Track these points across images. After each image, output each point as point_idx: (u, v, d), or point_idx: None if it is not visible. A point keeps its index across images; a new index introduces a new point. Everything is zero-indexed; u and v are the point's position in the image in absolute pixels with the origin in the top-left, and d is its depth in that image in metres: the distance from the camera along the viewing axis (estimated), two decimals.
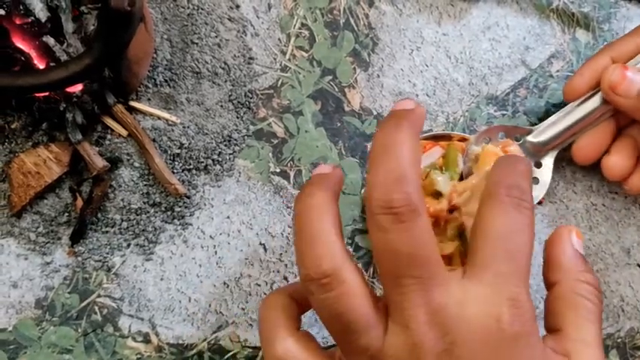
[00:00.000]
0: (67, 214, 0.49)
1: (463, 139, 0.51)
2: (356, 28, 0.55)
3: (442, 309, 0.33)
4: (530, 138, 0.51)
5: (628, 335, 0.51)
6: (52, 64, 0.45)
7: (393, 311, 0.34)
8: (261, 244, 0.50)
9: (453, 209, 0.46)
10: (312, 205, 0.36)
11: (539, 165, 0.51)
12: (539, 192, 0.51)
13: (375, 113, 0.54)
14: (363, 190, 0.52)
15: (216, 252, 0.50)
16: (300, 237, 0.35)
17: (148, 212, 0.49)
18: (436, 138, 0.52)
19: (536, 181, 0.51)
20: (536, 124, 0.51)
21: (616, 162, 0.49)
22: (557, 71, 0.56)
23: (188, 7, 0.53)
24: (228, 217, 0.51)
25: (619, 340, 0.51)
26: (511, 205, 0.35)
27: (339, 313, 0.34)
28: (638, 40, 0.50)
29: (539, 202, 0.53)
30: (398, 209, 0.33)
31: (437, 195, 0.49)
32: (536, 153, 0.51)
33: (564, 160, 0.54)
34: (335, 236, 0.35)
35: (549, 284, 0.40)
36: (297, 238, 0.36)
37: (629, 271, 0.52)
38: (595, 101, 0.49)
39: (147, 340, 0.48)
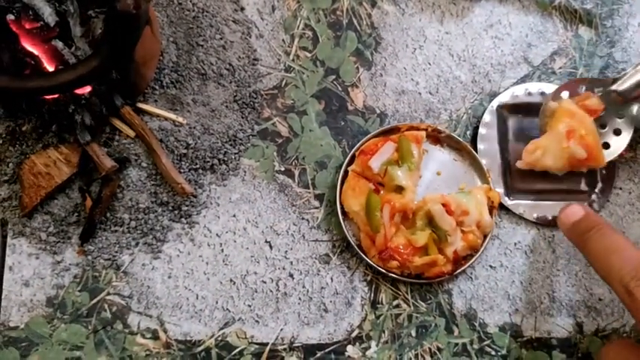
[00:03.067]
0: (76, 213, 0.50)
1: (412, 128, 0.52)
2: (359, 28, 0.56)
3: None
4: (612, 87, 0.50)
5: (633, 329, 0.51)
6: (60, 67, 0.46)
7: None
8: (266, 241, 0.51)
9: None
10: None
11: (621, 116, 0.51)
12: (620, 143, 0.51)
13: (378, 112, 0.54)
14: None
15: (222, 250, 0.51)
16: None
17: (156, 211, 0.50)
18: (386, 133, 0.52)
19: (618, 132, 0.51)
20: None
21: None
22: (560, 68, 0.56)
23: (193, 10, 0.54)
24: (234, 216, 0.51)
25: (624, 335, 0.51)
26: None
27: None
28: None
29: (621, 155, 0.52)
30: None
31: (399, 189, 0.49)
32: (618, 103, 0.50)
33: None
34: None
35: None
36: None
37: None
38: None
39: (155, 336, 0.49)
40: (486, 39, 0.57)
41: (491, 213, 0.50)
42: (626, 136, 0.51)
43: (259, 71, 0.54)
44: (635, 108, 0.50)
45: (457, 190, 0.50)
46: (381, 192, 0.49)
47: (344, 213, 0.50)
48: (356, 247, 0.50)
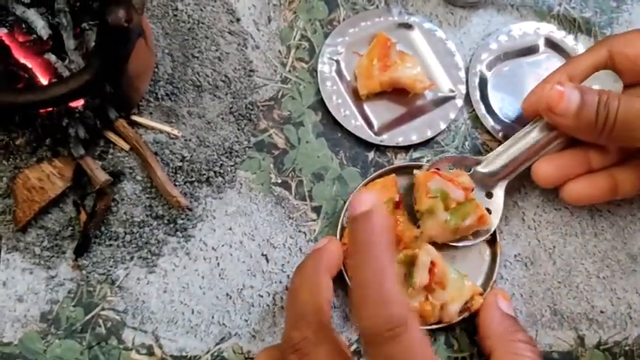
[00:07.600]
0: (71, 228, 0.49)
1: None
2: None
3: None
4: (479, 168, 0.49)
5: (636, 343, 0.50)
6: (54, 80, 0.46)
7: None
8: (263, 255, 0.50)
9: None
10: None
11: (490, 195, 0.50)
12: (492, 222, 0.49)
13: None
14: None
15: (218, 264, 0.50)
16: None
17: (151, 225, 0.50)
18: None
19: (488, 211, 0.49)
20: None
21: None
22: None
23: (189, 22, 0.53)
24: (230, 229, 0.51)
25: (627, 348, 0.50)
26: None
27: None
28: (593, 58, 0.48)
29: (493, 234, 0.50)
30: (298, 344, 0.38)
31: (415, 220, 0.48)
32: (486, 183, 0.49)
33: None
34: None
35: (487, 352, 0.44)
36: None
37: (635, 277, 0.52)
38: (538, 130, 0.48)
39: (150, 352, 0.48)
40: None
41: (461, 313, 0.47)
42: (496, 216, 0.49)
43: (255, 82, 0.54)
44: (500, 188, 0.49)
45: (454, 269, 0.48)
46: (399, 210, 0.48)
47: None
48: (338, 233, 0.49)
